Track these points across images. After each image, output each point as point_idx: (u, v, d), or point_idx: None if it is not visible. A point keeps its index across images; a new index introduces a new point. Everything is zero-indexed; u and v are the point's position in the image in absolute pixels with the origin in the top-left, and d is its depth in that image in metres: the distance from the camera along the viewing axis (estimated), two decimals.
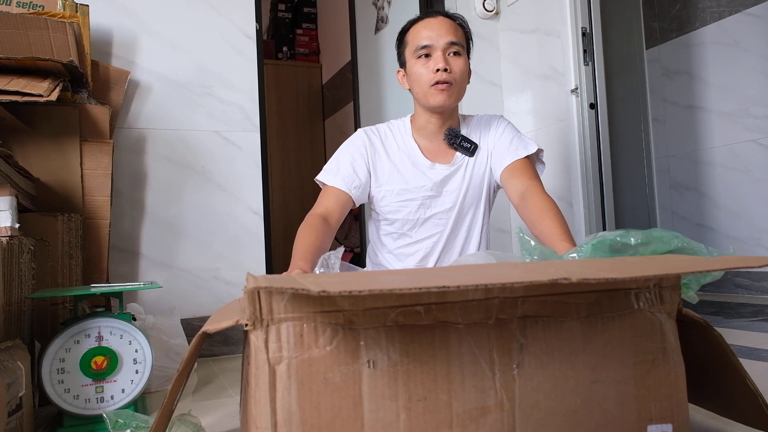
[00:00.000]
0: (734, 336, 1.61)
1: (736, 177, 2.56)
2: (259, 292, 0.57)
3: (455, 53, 1.32)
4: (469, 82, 1.40)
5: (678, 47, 2.77)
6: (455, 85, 1.32)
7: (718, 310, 2.13)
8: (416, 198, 1.39)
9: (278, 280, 0.52)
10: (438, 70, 1.29)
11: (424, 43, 1.32)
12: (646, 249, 0.75)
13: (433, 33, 1.31)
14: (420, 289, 0.48)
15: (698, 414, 0.88)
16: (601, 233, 0.80)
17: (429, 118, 1.39)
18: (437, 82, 1.30)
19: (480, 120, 1.45)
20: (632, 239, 0.75)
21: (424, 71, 1.32)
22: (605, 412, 0.65)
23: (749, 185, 2.51)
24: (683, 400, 0.70)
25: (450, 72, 1.30)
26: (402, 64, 1.41)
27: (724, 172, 2.61)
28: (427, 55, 1.32)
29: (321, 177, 1.40)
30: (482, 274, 0.58)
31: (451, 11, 1.45)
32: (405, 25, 1.40)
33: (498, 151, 1.38)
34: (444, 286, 0.48)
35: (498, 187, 1.44)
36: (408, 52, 1.36)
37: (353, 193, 1.36)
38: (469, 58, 1.39)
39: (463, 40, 1.35)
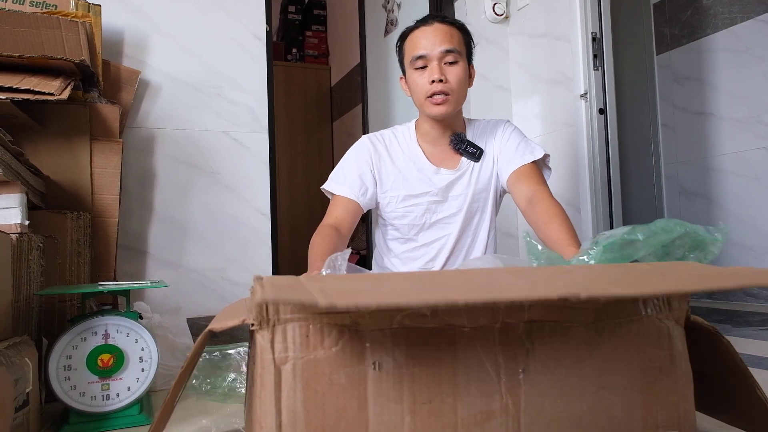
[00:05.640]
0: (742, 345, 1.60)
1: (746, 184, 2.54)
2: None
3: (451, 62, 1.30)
4: (471, 85, 1.39)
5: (689, 53, 2.75)
6: (452, 94, 1.30)
7: (726, 318, 2.12)
8: (422, 203, 1.39)
9: (286, 291, 0.52)
10: (433, 81, 1.29)
11: (420, 53, 1.30)
12: (654, 240, 0.75)
13: (428, 42, 1.30)
14: (427, 303, 0.47)
15: (705, 422, 0.87)
16: (608, 232, 0.80)
17: (432, 124, 1.39)
18: (433, 94, 1.30)
19: (486, 125, 1.45)
20: (639, 235, 0.76)
21: (420, 82, 1.31)
22: (611, 419, 0.65)
23: (759, 193, 2.49)
24: (690, 408, 0.69)
25: (446, 82, 1.29)
26: (403, 71, 1.40)
27: (734, 180, 2.59)
28: (423, 66, 1.31)
29: (328, 186, 1.40)
30: (491, 286, 0.57)
31: (455, 16, 1.44)
32: (402, 33, 1.39)
33: (504, 156, 1.38)
34: (452, 302, 0.47)
35: (504, 191, 1.44)
36: (406, 61, 1.36)
37: (361, 201, 1.36)
38: (471, 60, 1.37)
39: (461, 45, 1.33)
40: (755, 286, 0.56)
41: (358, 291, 0.52)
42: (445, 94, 1.29)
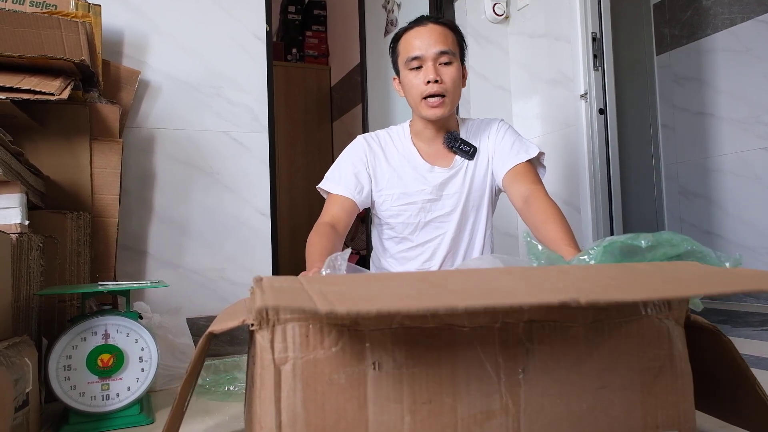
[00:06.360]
0: (742, 345, 1.59)
1: (746, 185, 2.54)
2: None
3: (446, 63, 1.31)
4: (464, 86, 1.39)
5: (689, 53, 2.76)
6: (447, 95, 1.31)
7: (726, 318, 2.12)
8: (416, 202, 1.39)
9: (286, 297, 0.51)
10: (429, 82, 1.29)
11: (414, 54, 1.31)
12: (655, 252, 0.74)
13: (422, 43, 1.31)
14: (428, 309, 0.47)
15: (705, 422, 0.87)
16: (611, 237, 0.79)
17: (425, 124, 1.39)
18: (429, 95, 1.30)
19: (479, 123, 1.45)
20: (642, 242, 0.75)
21: (415, 82, 1.32)
22: (611, 419, 0.65)
23: (759, 193, 2.49)
24: (690, 407, 0.69)
25: (441, 83, 1.30)
26: (397, 72, 1.41)
27: (734, 180, 2.59)
28: (418, 67, 1.32)
29: (324, 185, 1.41)
30: (491, 289, 0.57)
31: (442, 17, 1.44)
32: (396, 34, 1.39)
33: (499, 154, 1.38)
34: (452, 308, 0.47)
35: (500, 190, 1.44)
36: (400, 62, 1.36)
37: (357, 199, 1.37)
38: (463, 61, 1.38)
39: (455, 46, 1.34)
40: (757, 291, 0.55)
41: (357, 295, 0.52)
42: (441, 95, 1.30)
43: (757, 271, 0.64)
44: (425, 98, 1.31)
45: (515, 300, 0.49)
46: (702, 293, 0.56)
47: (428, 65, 1.30)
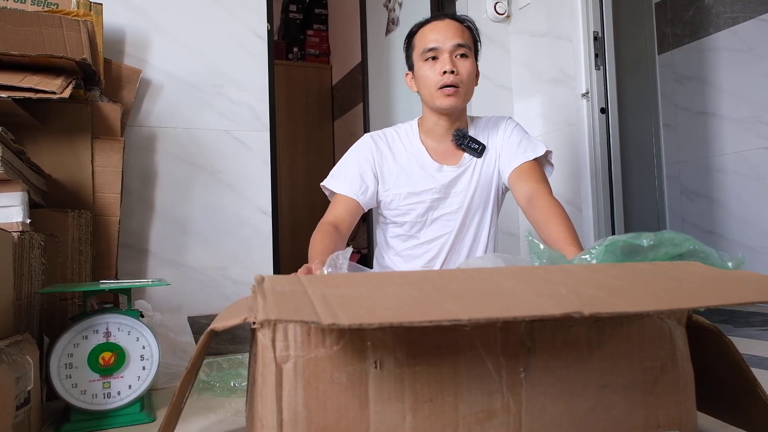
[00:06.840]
0: (744, 345, 1.60)
1: (748, 184, 2.53)
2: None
3: (462, 55, 1.32)
4: (476, 84, 1.40)
5: (690, 53, 2.75)
6: (462, 87, 1.32)
7: (727, 318, 2.11)
8: (424, 200, 1.39)
9: (289, 306, 0.51)
10: (445, 72, 1.30)
11: (431, 45, 1.32)
12: (657, 252, 0.74)
13: (440, 35, 1.32)
14: (431, 321, 0.48)
15: (706, 422, 0.87)
16: (612, 236, 0.79)
17: (437, 120, 1.39)
18: (444, 86, 1.30)
19: (488, 121, 1.45)
20: (644, 241, 0.75)
21: (431, 74, 1.32)
22: (612, 418, 0.65)
23: (761, 193, 2.48)
24: (691, 407, 0.69)
25: (457, 74, 1.30)
26: (410, 67, 1.41)
27: (736, 180, 2.58)
28: (434, 58, 1.32)
29: (328, 184, 1.40)
30: (494, 297, 0.57)
31: (461, 14, 1.45)
32: (412, 28, 1.40)
33: (506, 152, 1.38)
34: (455, 320, 0.47)
35: (506, 189, 1.44)
36: (415, 55, 1.37)
37: (361, 200, 1.37)
38: (477, 60, 1.39)
39: (471, 42, 1.35)
40: (758, 302, 0.55)
41: (360, 302, 0.52)
42: (456, 86, 1.31)
43: (761, 276, 0.63)
44: (440, 88, 1.31)
45: (518, 313, 0.49)
46: (706, 305, 0.56)
47: (444, 57, 1.31)
